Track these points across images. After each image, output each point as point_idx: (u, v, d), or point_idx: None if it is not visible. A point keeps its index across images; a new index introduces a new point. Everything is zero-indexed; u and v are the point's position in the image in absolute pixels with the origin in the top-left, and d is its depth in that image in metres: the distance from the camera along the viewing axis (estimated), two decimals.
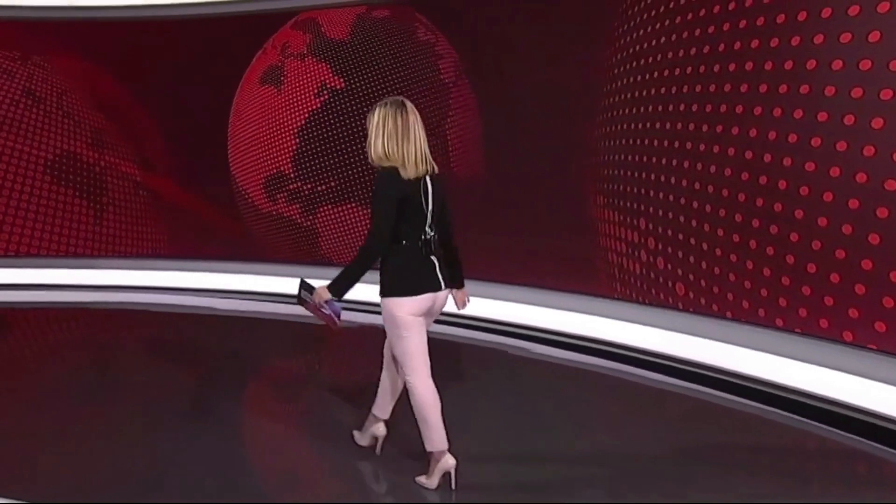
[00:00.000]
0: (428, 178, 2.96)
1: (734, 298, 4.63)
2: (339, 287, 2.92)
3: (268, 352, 5.65)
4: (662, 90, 4.86)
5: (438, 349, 5.23)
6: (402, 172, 2.89)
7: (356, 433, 3.51)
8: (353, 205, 6.76)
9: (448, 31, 6.36)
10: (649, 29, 4.96)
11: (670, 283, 5.02)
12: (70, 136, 7.74)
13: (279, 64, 7.05)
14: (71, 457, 3.59)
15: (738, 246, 4.51)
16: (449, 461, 3.00)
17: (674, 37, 4.76)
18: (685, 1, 4.69)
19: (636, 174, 5.12)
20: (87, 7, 7.61)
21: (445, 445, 2.99)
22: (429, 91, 6.43)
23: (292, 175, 7.02)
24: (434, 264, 2.97)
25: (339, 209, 6.88)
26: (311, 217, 7.01)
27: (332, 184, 6.85)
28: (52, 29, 7.66)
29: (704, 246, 4.72)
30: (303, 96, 6.90)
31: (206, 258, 7.66)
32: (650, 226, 5.07)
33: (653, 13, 4.92)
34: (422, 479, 3.06)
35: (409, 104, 2.98)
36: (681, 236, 4.86)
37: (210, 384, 4.81)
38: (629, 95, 5.12)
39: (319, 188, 6.94)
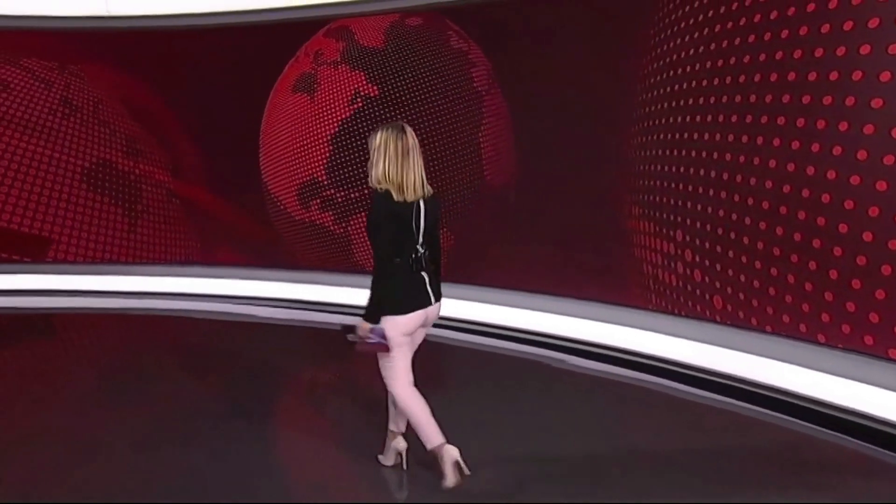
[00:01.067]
0: (421, 201, 3.11)
1: (774, 312, 4.54)
2: (371, 313, 3.07)
3: (301, 360, 5.67)
4: (701, 100, 4.78)
5: (477, 360, 5.25)
6: (398, 195, 3.03)
7: (380, 457, 3.52)
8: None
9: (480, 40, 6.33)
10: (687, 38, 4.88)
11: (708, 296, 4.94)
12: (105, 145, 7.83)
13: (312, 72, 7.06)
14: (104, 462, 3.67)
15: (778, 259, 4.42)
16: (452, 452, 3.12)
17: (713, 46, 4.68)
18: (725, 10, 4.61)
19: (673, 185, 5.04)
20: (122, 17, 7.69)
21: (442, 439, 3.14)
22: (462, 99, 6.40)
23: (326, 182, 7.03)
24: (424, 279, 3.13)
25: None
26: (344, 224, 7.01)
27: (367, 191, 6.85)
28: (88, 38, 7.75)
29: (744, 259, 4.63)
30: (337, 104, 6.90)
31: (237, 265, 7.71)
32: (687, 237, 4.99)
33: (691, 21, 4.85)
34: (444, 483, 3.13)
35: (408, 129, 3.12)
36: (719, 249, 4.78)
37: (244, 391, 4.84)
38: (666, 105, 5.05)
39: (353, 195, 6.94)
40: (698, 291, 5.01)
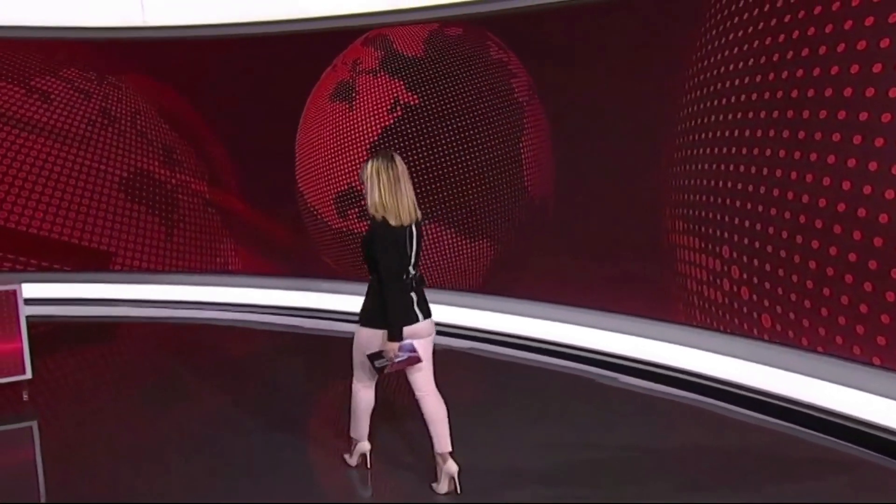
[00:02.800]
0: (413, 226, 3.31)
1: (826, 333, 4.41)
2: (393, 331, 3.24)
3: (338, 371, 5.65)
4: (750, 114, 4.66)
5: (527, 376, 5.18)
6: (394, 221, 3.24)
7: (434, 485, 3.50)
8: (427, 221, 6.72)
9: (519, 51, 6.26)
10: (735, 51, 4.77)
11: (755, 314, 4.83)
12: (143, 155, 7.90)
13: (350, 80, 7.04)
14: (146, 467, 3.81)
15: (831, 280, 4.29)
16: (365, 446, 3.65)
17: (763, 59, 4.57)
18: (776, 22, 4.49)
19: (719, 200, 4.93)
20: (158, 27, 7.74)
21: (362, 438, 3.63)
22: (503, 109, 6.34)
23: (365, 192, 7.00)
24: (412, 300, 3.32)
25: None
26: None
27: None
28: (126, 48, 7.82)
29: (794, 278, 4.51)
30: (376, 112, 6.87)
31: (274, 275, 7.72)
32: (734, 254, 4.88)
33: (740, 33, 4.73)
34: (346, 456, 3.71)
35: (397, 157, 3.35)
36: (768, 266, 4.66)
37: (285, 401, 4.86)
38: (713, 118, 4.94)
39: None
40: (745, 309, 4.89)
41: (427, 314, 3.37)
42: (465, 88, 6.48)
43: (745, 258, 4.81)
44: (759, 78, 4.61)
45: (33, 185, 7.83)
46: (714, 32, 4.93)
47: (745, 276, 4.83)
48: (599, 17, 5.69)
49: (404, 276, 3.28)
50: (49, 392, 4.84)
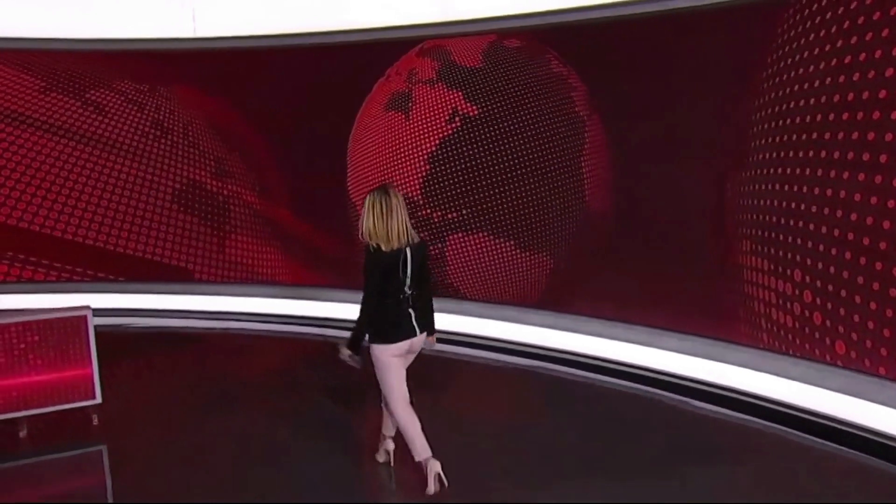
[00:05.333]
0: (408, 250, 3.70)
1: None
2: (354, 344, 3.71)
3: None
4: (827, 135, 4.51)
5: (596, 398, 5.10)
6: (385, 246, 3.63)
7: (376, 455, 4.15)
8: (485, 234, 6.65)
9: (577, 65, 6.15)
10: (810, 68, 4.61)
11: (828, 340, 4.68)
12: (195, 166, 7.95)
13: (406, 90, 6.99)
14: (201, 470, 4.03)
15: None
16: (435, 465, 3.74)
17: (842, 77, 4.41)
18: (856, 40, 4.33)
19: (791, 222, 4.79)
20: (208, 38, 7.76)
21: (429, 454, 3.76)
22: (563, 122, 6.24)
23: (421, 202, 6.96)
24: (411, 315, 3.76)
25: (470, 238, 6.78)
26: (440, 245, 6.92)
27: (464, 212, 6.77)
28: (177, 59, 7.87)
29: (872, 305, 4.36)
30: (433, 122, 6.81)
31: (324, 287, 7.72)
32: (807, 278, 4.74)
33: (815, 51, 4.57)
34: (427, 490, 3.75)
35: (391, 190, 3.73)
36: (843, 293, 4.52)
37: (336, 411, 4.90)
38: (785, 138, 4.79)
39: (451, 216, 6.85)
40: (817, 335, 4.75)
41: (423, 329, 3.82)
42: (525, 101, 6.38)
43: (818, 283, 4.66)
44: (836, 97, 4.46)
45: (89, 196, 7.94)
46: (787, 49, 4.78)
47: (818, 301, 4.69)
48: (664, 31, 5.55)
49: (399, 296, 3.71)
50: (118, 414, 4.88)
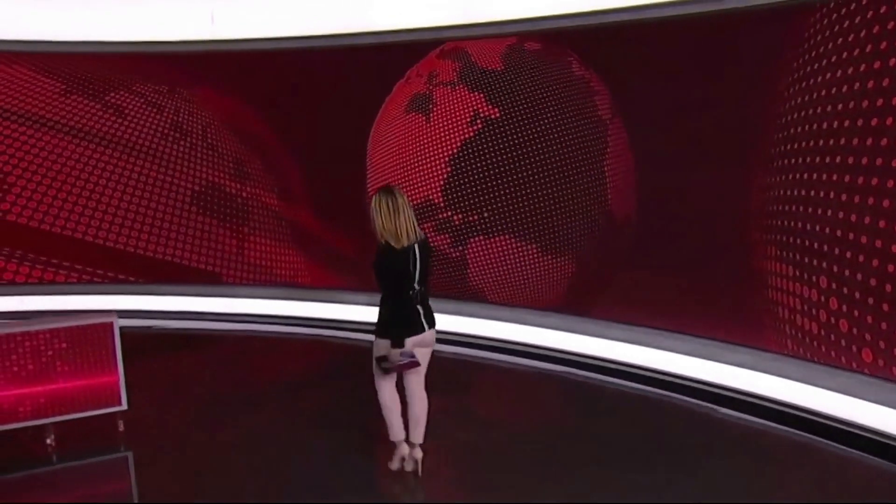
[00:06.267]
0: (416, 247, 3.84)
1: None
2: (395, 340, 3.79)
3: None
4: (855, 141, 4.46)
5: (623, 404, 5.06)
6: (396, 243, 3.79)
7: (389, 462, 4.13)
8: (507, 237, 6.63)
9: (598, 68, 6.12)
10: (838, 73, 4.56)
11: (855, 348, 4.64)
12: (214, 168, 7.98)
13: (427, 92, 6.97)
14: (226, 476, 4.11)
15: None
16: (405, 448, 4.06)
17: (870, 83, 4.35)
18: (886, 46, 4.27)
19: (817, 228, 4.74)
20: (227, 40, 7.77)
21: (401, 437, 4.06)
22: (585, 125, 6.21)
23: (442, 204, 6.95)
24: (419, 312, 3.88)
25: (492, 241, 6.76)
26: (461, 248, 6.92)
27: (486, 214, 6.75)
28: (195, 62, 7.88)
29: None
30: (454, 125, 6.79)
31: (342, 289, 7.73)
32: (833, 285, 4.69)
33: (844, 55, 4.52)
34: (390, 464, 4.10)
35: (396, 190, 3.91)
36: (871, 300, 4.47)
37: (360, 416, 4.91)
38: (812, 143, 4.74)
39: (472, 218, 6.82)
40: (843, 342, 4.71)
41: (431, 324, 3.95)
42: (547, 103, 6.36)
43: (845, 290, 4.62)
44: (865, 103, 4.40)
45: (109, 198, 7.98)
46: (814, 53, 4.73)
47: (844, 308, 4.65)
48: (686, 34, 5.50)
49: (410, 292, 3.83)
50: (141, 417, 4.91)
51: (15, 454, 4.48)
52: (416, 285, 3.85)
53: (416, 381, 4.03)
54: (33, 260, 7.99)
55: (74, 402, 4.45)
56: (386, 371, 3.92)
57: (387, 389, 4.04)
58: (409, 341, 3.83)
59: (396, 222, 3.78)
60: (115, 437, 4.65)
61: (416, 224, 3.88)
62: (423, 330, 3.89)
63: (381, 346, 3.89)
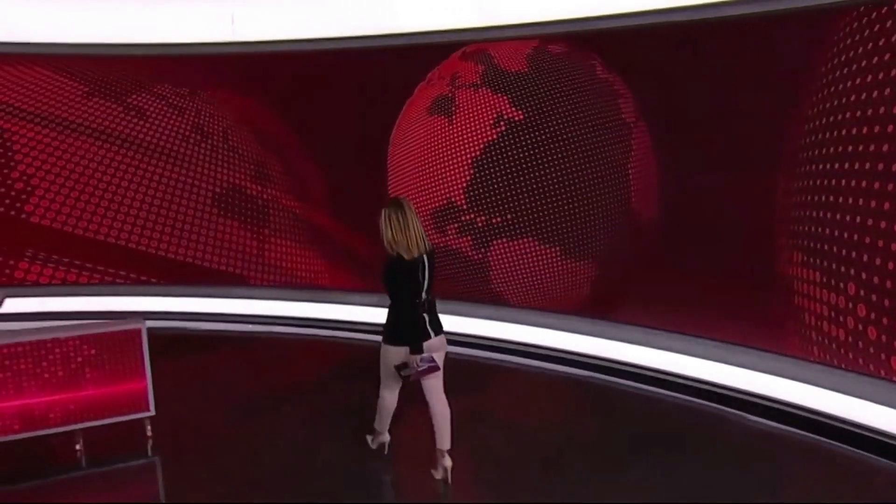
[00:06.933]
0: (425, 257, 3.98)
1: None
2: (415, 346, 3.91)
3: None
4: (886, 146, 4.41)
5: (647, 409, 5.09)
6: (406, 254, 3.91)
7: (432, 471, 4.15)
8: (531, 239, 6.60)
9: (623, 73, 6.08)
10: (868, 78, 4.51)
11: (883, 356, 4.60)
12: (235, 170, 8.00)
13: (450, 94, 6.95)
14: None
15: None
16: (385, 437, 4.40)
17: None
18: None
19: (845, 235, 4.70)
20: (248, 42, 7.77)
21: (385, 430, 4.37)
22: (609, 129, 6.19)
23: (465, 206, 6.94)
24: (425, 320, 3.99)
25: (515, 244, 6.73)
26: (483, 251, 6.90)
27: (509, 217, 6.73)
28: (216, 63, 7.90)
29: None
30: (477, 127, 6.77)
31: (363, 291, 7.74)
32: (861, 292, 4.65)
33: (874, 60, 4.46)
34: (368, 438, 4.47)
35: (405, 203, 4.04)
36: None
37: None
38: (840, 149, 4.70)
39: (495, 221, 6.80)
40: (872, 349, 4.67)
41: (438, 331, 4.05)
42: (571, 106, 6.33)
43: (873, 297, 4.58)
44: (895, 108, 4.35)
45: (131, 200, 8.04)
46: (844, 58, 4.67)
47: (873, 315, 4.60)
48: (711, 37, 5.46)
49: (418, 300, 3.95)
50: (168, 421, 4.93)
51: (45, 459, 4.52)
52: (424, 294, 3.98)
53: (434, 386, 4.10)
54: (56, 261, 8.06)
55: (103, 408, 4.48)
56: (406, 378, 4.03)
57: (389, 392, 4.22)
58: (406, 349, 3.94)
59: (406, 235, 3.92)
60: (142, 442, 4.68)
61: (424, 235, 4.01)
62: (430, 337, 3.99)
63: (394, 353, 4.03)
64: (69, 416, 4.41)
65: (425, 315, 4.00)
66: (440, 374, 4.07)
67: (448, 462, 4.08)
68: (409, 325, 3.93)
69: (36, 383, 4.31)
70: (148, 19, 7.83)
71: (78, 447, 4.50)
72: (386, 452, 4.42)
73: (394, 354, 4.04)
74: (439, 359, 4.03)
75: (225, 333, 7.70)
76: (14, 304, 7.99)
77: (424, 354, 3.90)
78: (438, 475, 4.12)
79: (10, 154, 7.91)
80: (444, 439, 4.11)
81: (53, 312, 7.76)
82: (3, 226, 7.94)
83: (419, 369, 3.91)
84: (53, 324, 7.15)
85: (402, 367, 4.00)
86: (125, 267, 8.14)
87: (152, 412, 4.63)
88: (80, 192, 8.00)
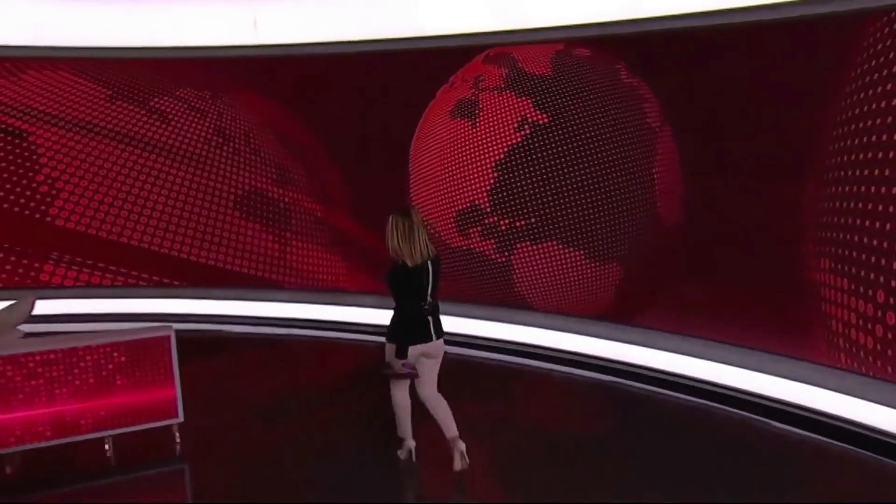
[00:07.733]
0: (429, 263, 4.15)
1: None
2: (400, 351, 4.09)
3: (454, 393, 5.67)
4: None
5: (680, 416, 5.27)
6: (410, 262, 4.08)
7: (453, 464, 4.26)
8: (554, 242, 6.59)
9: (647, 77, 6.05)
10: (889, 86, 4.46)
11: None
12: (257, 173, 8.04)
13: (473, 97, 6.95)
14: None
15: None
16: (411, 443, 4.42)
17: None
18: None
19: (875, 242, 4.66)
20: (270, 45, 7.81)
21: (409, 434, 4.41)
22: (634, 133, 6.17)
23: (488, 209, 6.93)
24: (428, 322, 4.18)
25: (539, 247, 6.73)
26: (507, 254, 6.89)
27: (532, 220, 6.72)
28: (238, 66, 7.94)
29: None
30: (501, 130, 6.76)
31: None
32: (891, 300, 4.61)
33: (891, 55, 4.41)
34: (399, 452, 4.47)
35: (411, 212, 4.24)
36: None
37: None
38: (870, 156, 4.65)
39: (519, 224, 6.80)
40: None
41: (439, 335, 4.23)
42: (596, 110, 6.31)
43: None
44: None
45: (154, 202, 8.11)
46: (874, 63, 4.62)
47: None
48: (737, 43, 5.42)
49: (423, 305, 4.13)
50: (195, 426, 4.97)
51: (76, 465, 4.58)
52: (428, 297, 4.17)
53: (425, 384, 4.27)
54: (80, 264, 8.14)
55: (133, 415, 4.53)
56: (385, 377, 4.30)
57: (400, 391, 4.37)
58: (417, 349, 4.12)
59: (410, 242, 4.09)
60: (171, 448, 4.73)
61: (428, 243, 4.18)
62: (432, 339, 4.19)
63: (391, 351, 4.21)
64: (100, 423, 4.46)
65: (430, 318, 4.19)
66: (432, 375, 4.26)
67: (461, 445, 4.21)
68: (409, 328, 4.12)
69: (68, 390, 4.36)
70: (170, 23, 7.88)
71: (108, 453, 4.55)
72: (414, 459, 4.46)
73: (391, 354, 4.21)
74: (437, 362, 4.26)
75: (248, 336, 7.74)
76: (41, 306, 8.06)
77: (408, 360, 4.10)
78: (458, 465, 4.20)
79: (34, 157, 8.01)
80: (449, 428, 4.25)
81: (78, 315, 7.86)
82: (29, 228, 8.04)
83: (400, 371, 4.14)
84: (79, 327, 7.33)
85: (385, 366, 4.23)
86: (147, 269, 8.21)
87: (181, 419, 4.67)
88: (103, 196, 8.09)
